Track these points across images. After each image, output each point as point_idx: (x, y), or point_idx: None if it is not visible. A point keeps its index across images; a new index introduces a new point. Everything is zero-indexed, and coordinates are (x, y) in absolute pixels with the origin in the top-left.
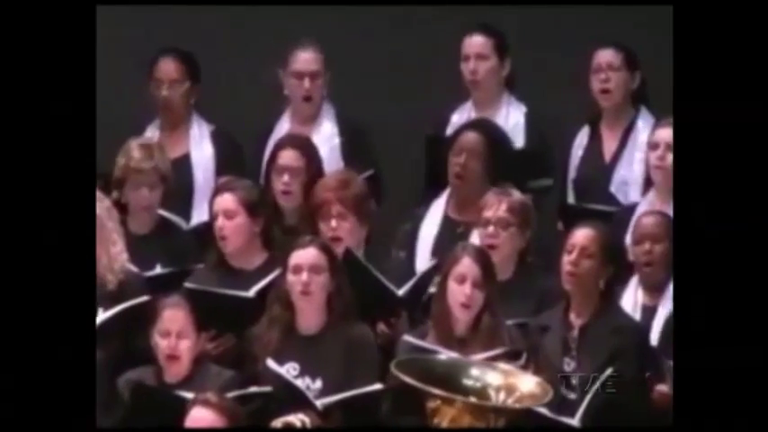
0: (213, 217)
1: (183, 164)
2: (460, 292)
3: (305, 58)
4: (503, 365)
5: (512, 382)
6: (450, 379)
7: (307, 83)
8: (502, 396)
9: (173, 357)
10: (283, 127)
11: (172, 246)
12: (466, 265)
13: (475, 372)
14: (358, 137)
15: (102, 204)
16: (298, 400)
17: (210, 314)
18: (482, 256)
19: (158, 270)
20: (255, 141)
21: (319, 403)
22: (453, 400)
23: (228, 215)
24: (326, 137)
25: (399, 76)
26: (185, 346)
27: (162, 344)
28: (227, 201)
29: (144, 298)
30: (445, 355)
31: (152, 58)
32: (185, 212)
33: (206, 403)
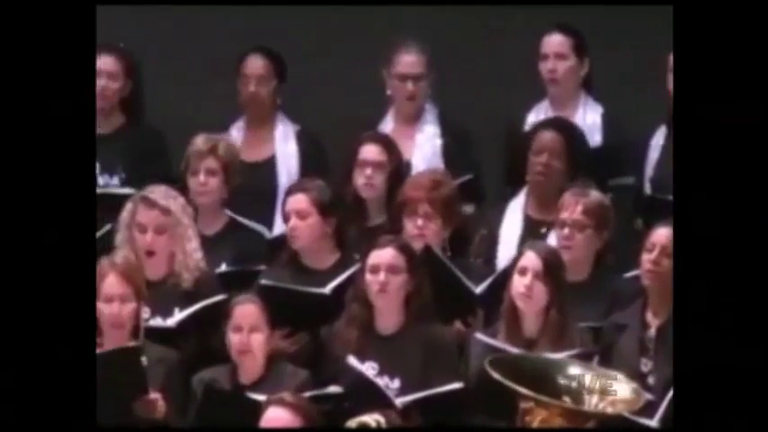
0: (286, 217)
1: (269, 166)
2: (520, 283)
3: (409, 61)
4: (602, 369)
5: (607, 385)
6: (544, 377)
7: (410, 85)
8: (595, 399)
9: (245, 352)
10: (387, 127)
11: (241, 249)
12: (529, 258)
13: (574, 371)
14: (460, 139)
15: (177, 201)
16: (377, 399)
17: (284, 312)
18: (549, 253)
19: (226, 267)
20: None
21: (399, 402)
22: (549, 402)
23: (301, 215)
24: (429, 137)
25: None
26: (258, 341)
27: (234, 339)
28: (299, 201)
29: (220, 296)
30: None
31: (239, 54)
32: (269, 215)
33: (282, 403)
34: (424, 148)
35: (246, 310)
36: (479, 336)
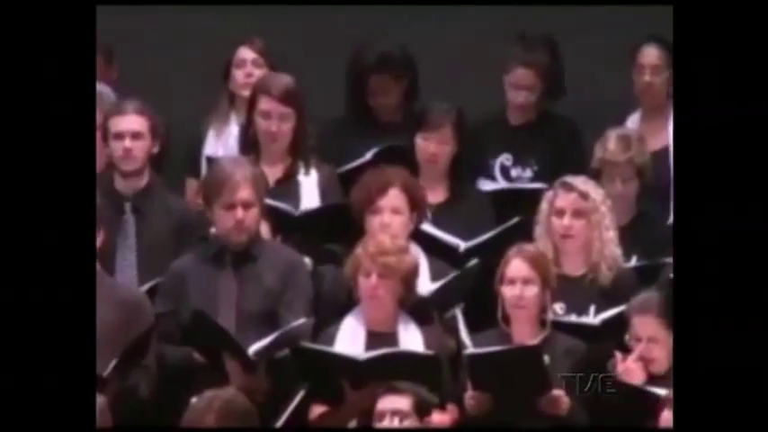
0: None
1: (664, 156)
2: None
3: None
4: None
5: None
6: None
7: None
8: None
9: (645, 360)
10: None
11: (648, 239)
12: None
13: None
14: None
15: (598, 190)
16: None
17: None
18: None
19: (636, 260)
20: None
21: None
22: None
23: None
24: None
25: None
26: (657, 352)
27: (635, 347)
28: None
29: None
30: None
31: (634, 45)
32: (664, 207)
33: None
34: None
35: (645, 323)
36: None
